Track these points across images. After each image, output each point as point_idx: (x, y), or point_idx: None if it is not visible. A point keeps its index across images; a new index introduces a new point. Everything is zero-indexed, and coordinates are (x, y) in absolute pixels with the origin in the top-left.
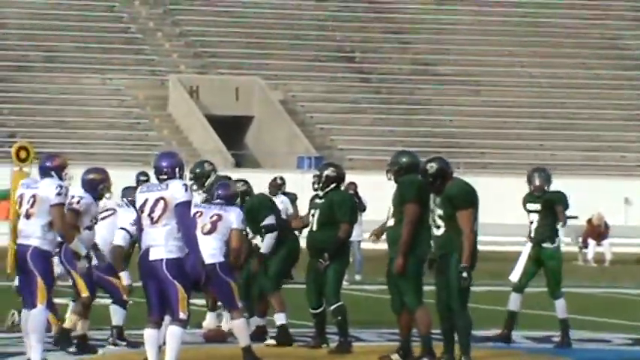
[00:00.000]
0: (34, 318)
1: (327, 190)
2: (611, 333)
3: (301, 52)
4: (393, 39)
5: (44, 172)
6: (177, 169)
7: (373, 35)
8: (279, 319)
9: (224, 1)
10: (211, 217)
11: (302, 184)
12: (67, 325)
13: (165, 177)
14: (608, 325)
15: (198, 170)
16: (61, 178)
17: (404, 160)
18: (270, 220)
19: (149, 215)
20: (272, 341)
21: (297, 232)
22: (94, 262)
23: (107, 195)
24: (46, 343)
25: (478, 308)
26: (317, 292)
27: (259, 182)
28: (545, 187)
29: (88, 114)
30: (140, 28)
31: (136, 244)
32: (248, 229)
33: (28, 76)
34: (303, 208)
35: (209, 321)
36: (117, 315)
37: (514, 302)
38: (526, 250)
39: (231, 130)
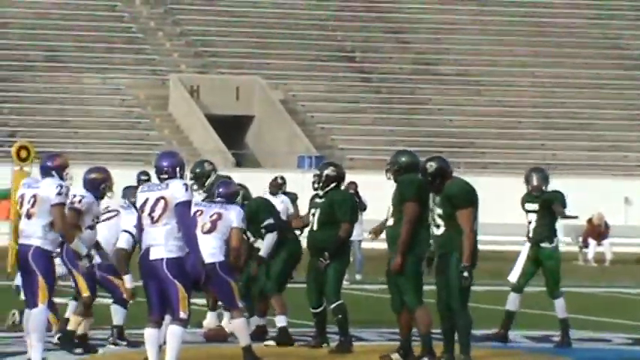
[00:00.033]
0: (35, 317)
1: (328, 189)
2: (611, 333)
3: (302, 51)
4: (393, 38)
5: (45, 172)
6: (177, 169)
7: (374, 35)
8: (280, 321)
9: (225, 1)
10: (211, 216)
11: (302, 184)
12: (70, 326)
13: (166, 176)
14: (608, 325)
15: (198, 170)
16: (62, 178)
17: (403, 159)
18: (269, 220)
19: (149, 215)
20: (272, 342)
21: (297, 232)
22: (96, 261)
23: (109, 194)
24: (46, 342)
25: (478, 308)
26: (317, 291)
27: (260, 182)
28: (543, 187)
29: (88, 113)
30: (141, 27)
31: (137, 245)
32: (249, 233)
33: (29, 76)
34: (303, 207)
35: (209, 320)
36: (117, 315)
37: (512, 302)
38: (525, 250)
39: (232, 129)
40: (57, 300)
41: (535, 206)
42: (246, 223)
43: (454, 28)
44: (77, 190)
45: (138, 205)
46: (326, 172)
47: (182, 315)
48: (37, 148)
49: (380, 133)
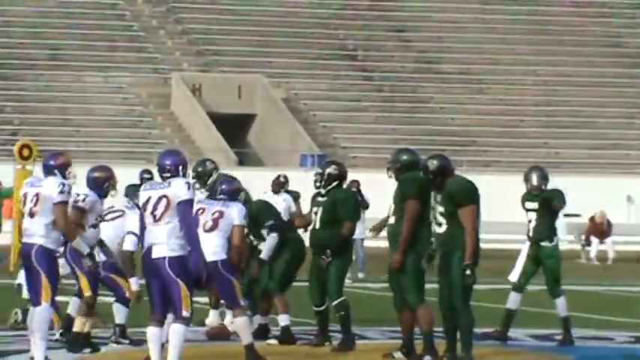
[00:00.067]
0: (38, 316)
1: (330, 188)
2: (613, 331)
3: (304, 50)
4: (395, 37)
5: (48, 171)
6: (180, 167)
7: (376, 33)
8: (283, 320)
9: None
10: (213, 214)
11: (305, 182)
12: (76, 328)
13: (169, 175)
14: (610, 323)
15: (200, 169)
16: (64, 177)
17: (404, 157)
18: (270, 222)
19: (152, 213)
20: (274, 341)
21: (300, 231)
22: (101, 258)
23: (112, 193)
24: (48, 340)
25: (480, 306)
26: (320, 289)
27: (262, 180)
28: (543, 186)
29: (91, 112)
30: (143, 26)
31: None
32: (252, 237)
33: (31, 74)
34: (305, 206)
35: (212, 318)
36: (120, 313)
37: (513, 301)
38: (525, 249)
39: (234, 128)
40: (59, 298)
41: (535, 205)
42: (248, 227)
43: (456, 27)
44: (80, 188)
45: (140, 203)
46: (328, 170)
47: (184, 313)
48: (40, 146)
49: (382, 132)
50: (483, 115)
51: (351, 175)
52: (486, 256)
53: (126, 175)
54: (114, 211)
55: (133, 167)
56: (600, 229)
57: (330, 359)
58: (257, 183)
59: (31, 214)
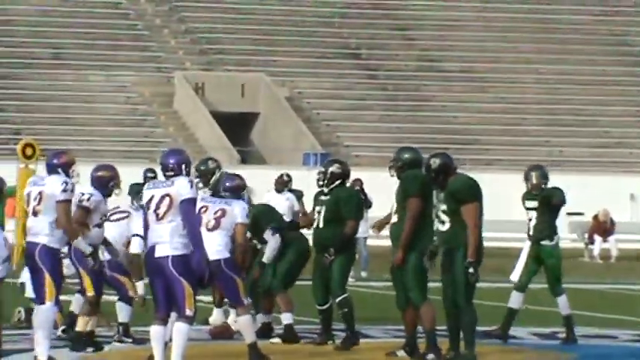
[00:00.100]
0: (42, 314)
1: (333, 186)
2: (617, 329)
3: (307, 48)
4: (398, 35)
5: (51, 169)
6: (183, 166)
7: (379, 32)
8: (286, 318)
9: None
10: (215, 213)
11: (308, 181)
12: (79, 328)
13: (172, 174)
14: (614, 322)
15: (202, 168)
16: (68, 175)
17: (406, 156)
18: (272, 226)
19: (155, 212)
20: (277, 339)
21: (303, 230)
22: (105, 257)
23: (116, 191)
24: (52, 339)
25: (482, 305)
26: (323, 288)
27: (265, 179)
28: (543, 185)
29: (93, 111)
30: (146, 24)
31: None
32: (254, 240)
33: (34, 73)
34: (309, 205)
35: (216, 317)
36: (123, 312)
37: (515, 300)
38: (525, 248)
39: (237, 126)
40: (62, 297)
41: (535, 204)
42: (250, 230)
43: (459, 25)
44: (85, 188)
45: (144, 202)
46: (331, 169)
47: (188, 312)
48: (42, 145)
49: (385, 130)
50: (486, 114)
51: (354, 174)
52: (489, 255)
53: (129, 174)
54: (119, 212)
55: (136, 166)
56: (603, 227)
57: (334, 358)
58: (260, 181)
59: (35, 213)
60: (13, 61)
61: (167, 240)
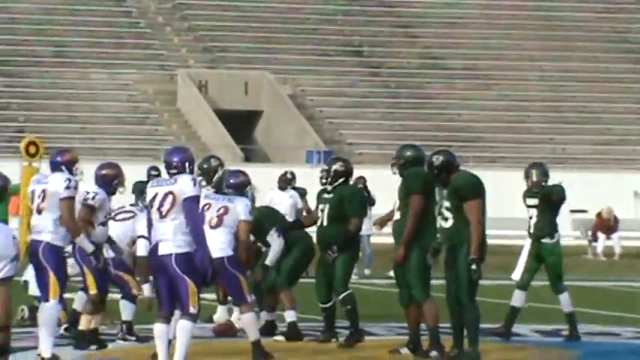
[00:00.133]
0: (47, 312)
1: (336, 184)
2: (620, 326)
3: (310, 46)
4: (401, 33)
5: (55, 167)
6: (186, 164)
7: (382, 29)
8: (290, 316)
9: None
10: (218, 211)
11: (311, 179)
12: (82, 326)
13: (175, 171)
14: (617, 319)
15: (205, 166)
16: (71, 173)
17: (408, 153)
18: (275, 229)
19: (158, 209)
20: (281, 337)
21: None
22: (110, 255)
23: (121, 190)
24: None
25: (485, 302)
26: (326, 286)
27: (268, 177)
28: (543, 183)
29: (96, 109)
30: (149, 22)
31: None
32: (258, 243)
33: (37, 71)
34: (312, 202)
35: (220, 314)
36: (126, 310)
37: (517, 299)
38: (526, 247)
39: (240, 124)
40: (65, 295)
41: (535, 201)
42: (253, 233)
43: (462, 22)
44: (89, 186)
45: (147, 200)
46: (334, 167)
47: (192, 310)
48: (45, 143)
49: (388, 128)
50: (489, 111)
51: (358, 172)
52: (492, 252)
53: (132, 171)
54: (125, 212)
55: (139, 164)
56: (607, 224)
57: (337, 355)
58: (263, 179)
59: (39, 211)
60: (16, 59)
61: (170, 238)
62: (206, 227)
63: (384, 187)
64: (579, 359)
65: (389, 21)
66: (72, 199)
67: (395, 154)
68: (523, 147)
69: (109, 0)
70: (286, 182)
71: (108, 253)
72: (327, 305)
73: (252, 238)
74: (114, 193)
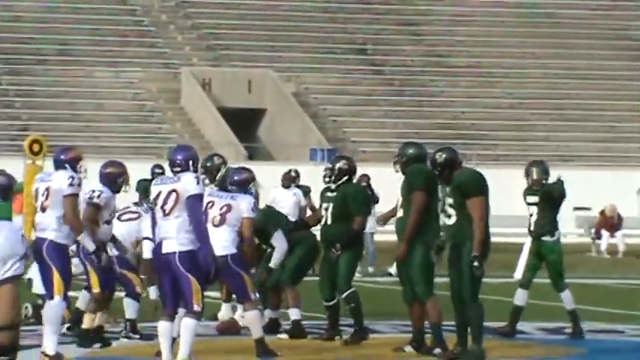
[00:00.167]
0: (51, 309)
1: (340, 183)
2: (623, 324)
3: (314, 44)
4: (405, 31)
5: (58, 165)
6: (190, 162)
7: (385, 27)
8: (294, 314)
9: None
10: (221, 209)
11: (315, 177)
12: (85, 325)
13: (179, 169)
14: (621, 316)
15: (208, 164)
16: (75, 171)
17: (410, 151)
18: (278, 233)
19: (162, 207)
20: (284, 335)
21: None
22: (114, 253)
23: (125, 188)
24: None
25: (487, 299)
26: (330, 284)
27: (272, 175)
28: (544, 180)
29: (101, 107)
30: (153, 21)
31: None
32: (263, 245)
33: (41, 69)
34: (316, 200)
35: (224, 312)
36: (130, 308)
37: (520, 298)
38: (527, 245)
39: (244, 122)
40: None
41: (536, 199)
42: (256, 235)
43: (465, 21)
44: (93, 184)
45: (151, 198)
46: (338, 165)
47: (196, 308)
48: (50, 141)
49: (392, 126)
50: (493, 109)
51: (361, 170)
52: (495, 250)
53: (136, 169)
54: (130, 212)
55: (143, 162)
56: (611, 222)
57: (341, 353)
58: (267, 177)
59: (43, 209)
60: (21, 58)
61: (174, 236)
62: (209, 225)
63: (388, 184)
64: (583, 357)
65: (393, 19)
66: (75, 196)
67: (397, 151)
68: (526, 145)
69: None
70: (290, 180)
71: (112, 251)
72: (331, 303)
73: (256, 240)
74: (119, 192)
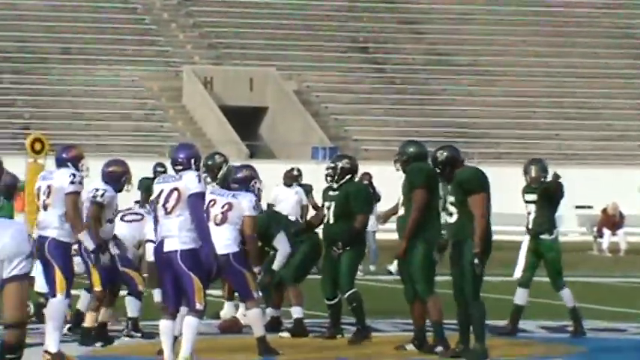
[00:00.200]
0: (54, 307)
1: (342, 181)
2: (625, 322)
3: (315, 42)
4: (407, 29)
5: (60, 163)
6: (192, 161)
7: (387, 25)
8: (296, 312)
9: None
10: (222, 207)
11: (317, 175)
12: (87, 324)
13: (181, 168)
14: (622, 315)
15: (209, 162)
16: (77, 169)
17: (411, 149)
18: (281, 235)
19: (163, 206)
20: (286, 333)
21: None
22: (115, 251)
23: (128, 187)
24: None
25: (488, 297)
26: (332, 282)
27: (274, 173)
28: (542, 178)
29: (102, 105)
30: (154, 19)
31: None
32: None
33: (42, 68)
34: (318, 198)
35: (227, 310)
36: (132, 306)
37: (520, 297)
38: (525, 244)
39: (246, 120)
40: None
41: (534, 197)
42: (258, 236)
43: (467, 19)
44: (95, 183)
45: (153, 196)
46: (340, 164)
47: (198, 306)
48: (51, 140)
49: (394, 124)
50: (494, 107)
51: (363, 168)
52: (497, 248)
53: (138, 168)
54: (133, 214)
55: (145, 161)
56: (612, 220)
57: (343, 351)
58: (268, 176)
59: (45, 207)
60: (22, 56)
61: (175, 234)
62: (211, 224)
63: (390, 183)
64: (584, 355)
65: (394, 17)
66: (77, 194)
67: (398, 150)
68: (527, 143)
69: None
70: (292, 179)
71: (113, 249)
72: (333, 301)
73: (259, 243)
74: (121, 190)
